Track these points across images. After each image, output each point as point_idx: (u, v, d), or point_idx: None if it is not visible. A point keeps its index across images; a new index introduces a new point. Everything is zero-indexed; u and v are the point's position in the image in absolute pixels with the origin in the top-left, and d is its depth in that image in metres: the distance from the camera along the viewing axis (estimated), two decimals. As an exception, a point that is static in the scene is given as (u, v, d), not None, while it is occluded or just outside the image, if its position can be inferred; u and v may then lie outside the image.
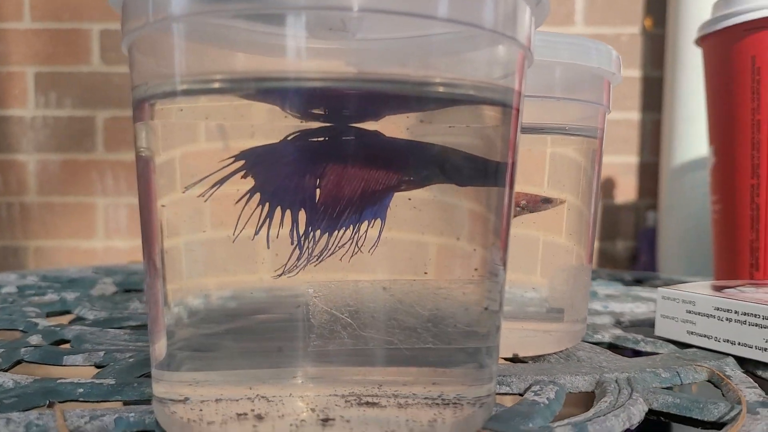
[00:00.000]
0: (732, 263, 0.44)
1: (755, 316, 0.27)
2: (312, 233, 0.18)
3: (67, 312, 0.36)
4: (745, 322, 0.27)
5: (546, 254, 0.27)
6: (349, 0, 0.16)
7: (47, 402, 0.21)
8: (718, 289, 0.30)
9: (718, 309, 0.28)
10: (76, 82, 1.03)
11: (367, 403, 0.17)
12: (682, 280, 0.52)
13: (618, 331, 0.33)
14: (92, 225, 1.03)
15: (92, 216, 1.03)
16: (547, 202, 0.28)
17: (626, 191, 1.08)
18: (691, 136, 0.94)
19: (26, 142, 1.03)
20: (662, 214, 1.01)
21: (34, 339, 0.28)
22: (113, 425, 0.19)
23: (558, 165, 0.27)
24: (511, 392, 0.23)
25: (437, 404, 0.17)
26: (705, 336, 0.29)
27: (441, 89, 0.18)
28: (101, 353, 0.26)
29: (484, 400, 0.19)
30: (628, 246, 1.09)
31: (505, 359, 0.27)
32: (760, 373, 0.27)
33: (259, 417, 0.17)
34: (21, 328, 0.31)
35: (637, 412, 0.21)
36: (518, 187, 0.27)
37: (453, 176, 0.18)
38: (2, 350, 0.26)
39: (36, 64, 1.03)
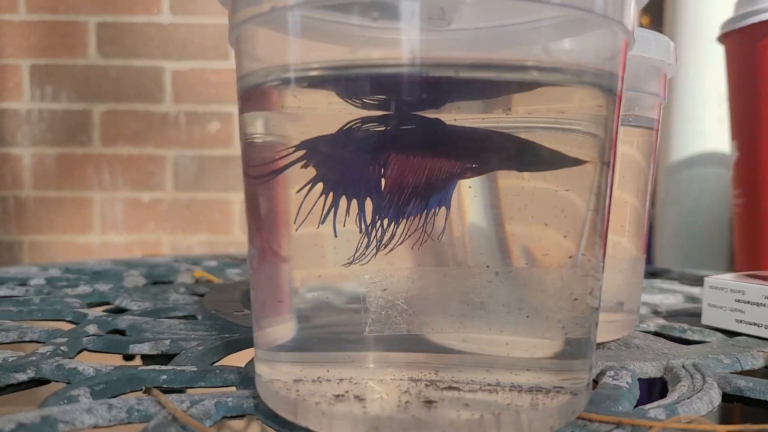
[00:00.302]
0: (755, 256, 0.44)
1: (808, 304, 0.27)
2: (380, 221, 0.18)
3: (106, 303, 0.36)
4: (797, 310, 0.28)
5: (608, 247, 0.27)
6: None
7: (143, 387, 0.21)
8: (763, 279, 0.31)
9: (767, 297, 0.29)
10: (72, 75, 1.01)
11: (459, 389, 0.17)
12: (696, 273, 0.53)
13: (661, 321, 0.33)
14: (88, 220, 1.02)
15: (88, 211, 1.02)
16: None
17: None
18: (688, 133, 0.95)
19: (21, 136, 1.01)
20: (658, 210, 1.02)
21: (91, 328, 0.28)
22: (214, 409, 0.19)
23: (619, 158, 0.27)
24: (612, 377, 0.23)
25: (541, 391, 0.18)
26: (755, 324, 0.29)
27: (549, 75, 0.18)
28: (167, 342, 0.26)
29: (587, 385, 0.19)
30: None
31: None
32: (813, 359, 0.27)
33: (359, 398, 0.17)
34: (69, 319, 0.31)
35: (716, 396, 0.22)
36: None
37: (514, 164, 0.18)
38: (65, 339, 0.26)
39: (31, 56, 1.01)
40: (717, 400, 0.21)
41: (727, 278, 0.31)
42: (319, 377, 0.18)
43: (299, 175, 0.17)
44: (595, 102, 0.19)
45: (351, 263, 0.17)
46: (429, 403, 0.17)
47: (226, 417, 0.19)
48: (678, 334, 0.31)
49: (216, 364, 0.23)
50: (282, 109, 0.18)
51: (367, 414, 0.17)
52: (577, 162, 0.18)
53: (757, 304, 0.29)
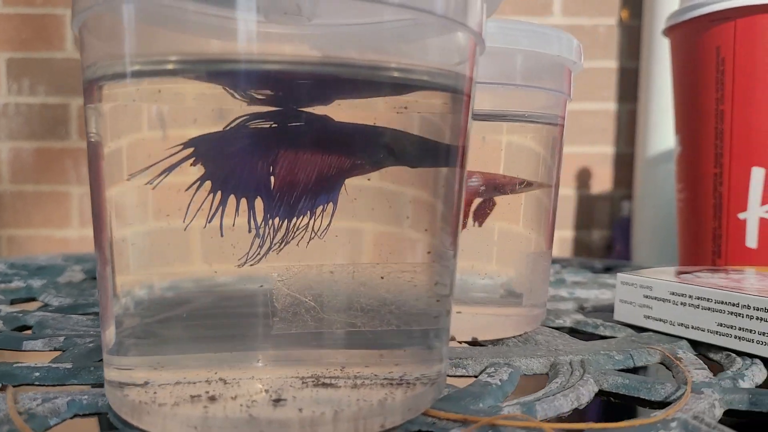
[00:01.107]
0: (695, 251, 0.44)
1: (708, 300, 0.27)
2: (270, 220, 0.18)
3: (33, 299, 0.36)
4: (698, 306, 0.28)
5: (504, 241, 0.27)
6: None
7: (0, 385, 0.21)
8: (676, 274, 0.31)
9: (673, 294, 0.29)
10: (49, 69, 1.01)
11: (324, 384, 0.17)
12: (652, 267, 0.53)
13: (579, 317, 0.33)
14: (67, 214, 1.02)
15: (66, 205, 1.02)
16: (529, 185, 0.28)
17: (602, 181, 1.09)
18: (665, 127, 0.95)
19: (-1, 130, 1.01)
20: (636, 204, 1.02)
21: (-5, 325, 0.28)
22: (65, 407, 0.19)
23: (515, 153, 0.27)
24: (466, 374, 0.24)
25: (390, 384, 0.18)
26: (661, 320, 0.29)
27: (394, 74, 0.18)
28: (61, 338, 0.26)
29: (434, 380, 0.19)
30: (604, 235, 1.10)
31: (465, 343, 0.28)
32: (711, 355, 0.27)
33: (212, 398, 0.17)
34: (-17, 315, 0.31)
35: (586, 393, 0.21)
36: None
37: (403, 159, 0.18)
38: (-40, 335, 0.26)
39: (8, 50, 1.01)
40: (587, 397, 0.21)
41: (638, 274, 0.31)
42: (179, 380, 0.18)
43: (111, 176, 0.17)
44: (441, 101, 0.19)
45: (245, 263, 0.17)
46: (277, 401, 0.17)
47: (78, 415, 0.19)
48: (591, 329, 0.31)
49: (99, 361, 0.23)
50: (128, 102, 0.18)
51: (206, 414, 0.17)
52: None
53: (663, 300, 0.29)
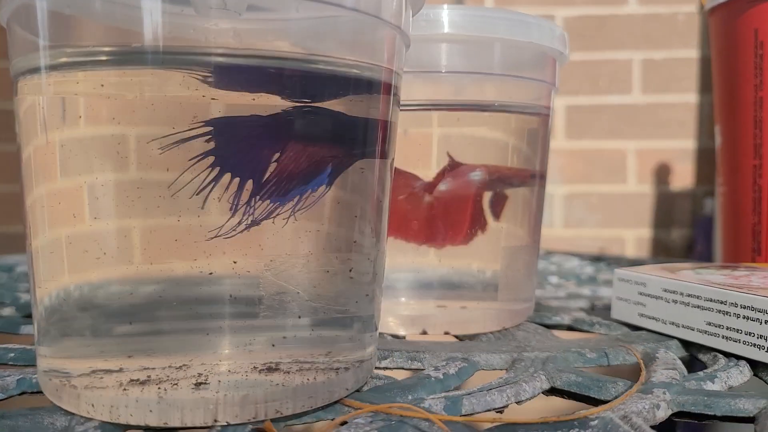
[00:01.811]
0: (735, 248, 0.41)
1: (697, 297, 0.26)
2: (254, 202, 0.18)
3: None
4: (688, 304, 0.26)
5: (480, 234, 0.27)
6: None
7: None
8: (674, 270, 0.29)
9: (665, 290, 0.27)
10: None
11: (262, 370, 0.18)
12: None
13: (581, 315, 0.32)
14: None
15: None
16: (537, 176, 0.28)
17: (682, 177, 1.04)
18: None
19: None
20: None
21: (7, 311, 0.30)
22: (15, 384, 0.20)
23: (478, 144, 0.26)
24: (421, 368, 0.23)
25: (302, 370, 0.18)
26: (653, 318, 0.28)
27: (316, 67, 0.18)
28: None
29: (350, 368, 0.19)
30: (684, 235, 1.04)
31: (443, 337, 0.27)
32: (701, 356, 0.26)
33: (140, 382, 0.18)
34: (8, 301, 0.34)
35: (529, 389, 0.21)
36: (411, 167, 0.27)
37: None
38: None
39: None
40: (529, 393, 0.21)
41: (635, 270, 0.29)
42: (113, 368, 0.18)
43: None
44: (361, 91, 0.19)
45: (216, 236, 0.18)
46: (198, 385, 0.18)
47: (26, 392, 0.20)
48: (587, 327, 0.30)
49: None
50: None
51: (116, 395, 0.17)
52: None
53: (656, 297, 0.28)
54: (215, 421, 0.17)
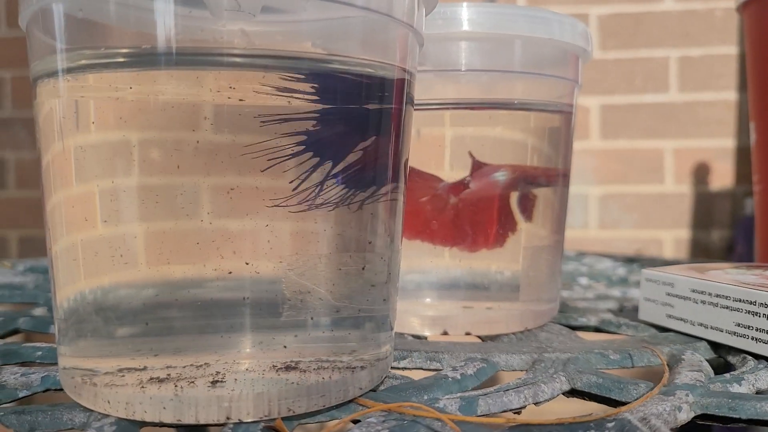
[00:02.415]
0: (773, 248, 0.40)
1: (726, 297, 0.25)
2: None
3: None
4: (717, 305, 0.25)
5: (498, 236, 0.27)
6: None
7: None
8: (703, 271, 0.28)
9: (693, 291, 0.26)
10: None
11: (279, 369, 0.18)
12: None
13: (609, 316, 0.31)
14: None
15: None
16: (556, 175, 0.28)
17: (722, 177, 1.01)
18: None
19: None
20: (759, 201, 0.93)
21: (39, 311, 0.31)
22: (39, 381, 0.21)
23: (498, 144, 0.26)
24: (440, 368, 0.23)
25: (319, 369, 0.18)
26: (681, 320, 0.27)
27: (334, 66, 0.18)
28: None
29: (365, 367, 0.19)
30: (724, 236, 1.02)
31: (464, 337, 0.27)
32: (730, 358, 0.25)
33: (159, 380, 0.18)
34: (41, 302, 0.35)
35: (548, 390, 0.21)
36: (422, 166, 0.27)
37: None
38: (1, 319, 0.29)
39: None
40: (548, 394, 0.20)
41: (662, 270, 0.29)
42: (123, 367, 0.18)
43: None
44: (374, 89, 0.19)
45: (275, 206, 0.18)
46: (214, 383, 0.18)
47: (50, 389, 0.21)
48: (613, 329, 0.30)
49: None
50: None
51: (134, 392, 0.18)
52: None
53: (684, 298, 0.27)
54: (228, 418, 0.17)
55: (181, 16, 0.17)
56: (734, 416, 0.19)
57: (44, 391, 0.21)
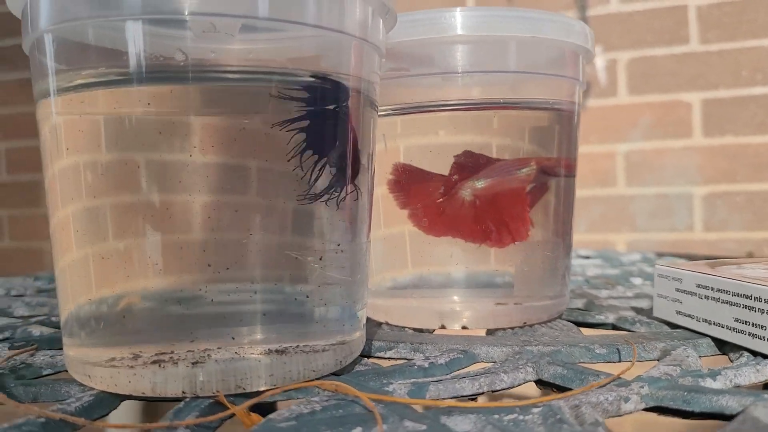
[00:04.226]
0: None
1: (726, 292, 0.24)
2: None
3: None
4: (718, 300, 0.24)
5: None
6: (178, 6, 0.18)
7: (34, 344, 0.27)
8: (717, 265, 0.27)
9: (699, 286, 0.26)
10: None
11: (262, 352, 0.20)
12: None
13: (628, 313, 0.31)
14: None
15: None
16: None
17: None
18: None
19: None
20: None
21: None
22: (63, 363, 0.24)
23: (496, 143, 0.27)
24: (422, 358, 0.24)
25: (294, 352, 0.20)
26: (688, 316, 0.26)
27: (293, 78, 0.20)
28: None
29: (323, 350, 0.20)
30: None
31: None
32: (731, 356, 0.24)
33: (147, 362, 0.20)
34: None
35: (507, 379, 0.21)
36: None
37: None
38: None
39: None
40: (506, 383, 0.21)
41: (674, 265, 0.28)
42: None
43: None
44: (330, 96, 0.20)
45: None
46: (195, 363, 0.20)
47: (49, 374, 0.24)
48: (627, 326, 0.29)
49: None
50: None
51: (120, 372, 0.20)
52: None
53: (691, 294, 0.26)
54: (183, 393, 0.19)
55: (151, 36, 0.19)
56: (687, 409, 0.19)
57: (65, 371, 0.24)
